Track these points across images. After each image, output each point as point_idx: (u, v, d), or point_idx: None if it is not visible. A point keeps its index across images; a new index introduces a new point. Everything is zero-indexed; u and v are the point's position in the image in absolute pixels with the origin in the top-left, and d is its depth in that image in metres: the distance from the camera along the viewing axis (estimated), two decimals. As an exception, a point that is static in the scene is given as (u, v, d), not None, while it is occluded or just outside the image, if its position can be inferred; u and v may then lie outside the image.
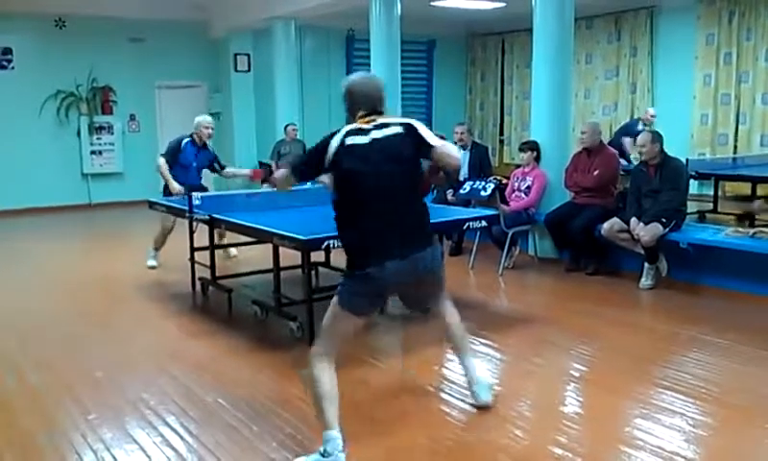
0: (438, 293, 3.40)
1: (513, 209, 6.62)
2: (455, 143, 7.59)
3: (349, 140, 3.03)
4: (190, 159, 6.72)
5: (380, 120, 3.11)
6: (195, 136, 6.75)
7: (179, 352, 4.49)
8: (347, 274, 3.09)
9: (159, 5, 11.59)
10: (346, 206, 3.08)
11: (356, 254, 3.06)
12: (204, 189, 6.57)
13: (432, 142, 3.12)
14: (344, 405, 3.40)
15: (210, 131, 6.81)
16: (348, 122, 3.17)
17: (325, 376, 2.98)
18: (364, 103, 3.15)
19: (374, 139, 3.06)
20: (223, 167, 7.04)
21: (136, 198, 10.25)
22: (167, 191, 6.58)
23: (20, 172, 11.07)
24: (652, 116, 10.19)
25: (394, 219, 3.04)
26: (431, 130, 3.24)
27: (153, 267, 6.86)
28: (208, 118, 6.94)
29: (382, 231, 3.01)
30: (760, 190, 8.89)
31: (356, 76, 3.30)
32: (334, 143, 3.03)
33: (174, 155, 6.67)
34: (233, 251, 7.02)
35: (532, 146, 6.84)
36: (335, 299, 3.09)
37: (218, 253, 6.82)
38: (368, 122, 3.10)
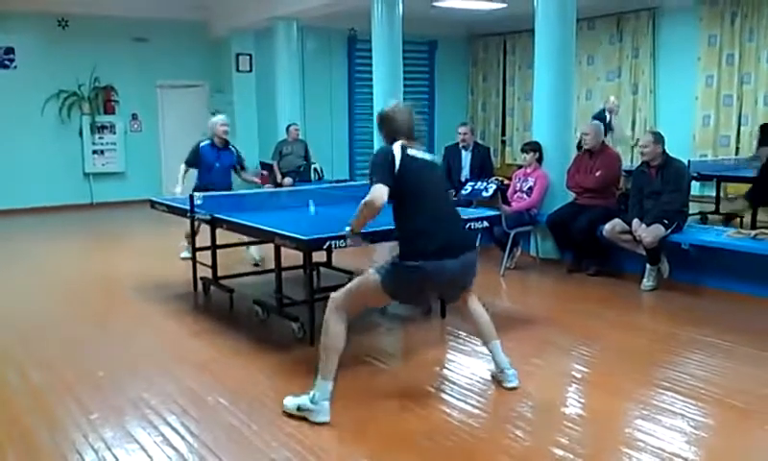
0: (470, 285, 3.73)
1: (514, 210, 6.62)
2: (457, 144, 7.73)
3: (410, 152, 3.43)
4: (212, 160, 6.78)
5: (418, 146, 3.54)
6: (215, 139, 6.83)
7: (180, 352, 4.50)
8: (400, 262, 3.37)
9: (161, 5, 11.60)
10: (408, 205, 3.41)
11: (416, 245, 3.36)
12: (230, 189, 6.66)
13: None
14: (344, 404, 3.44)
15: (226, 127, 6.84)
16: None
17: (340, 330, 3.35)
18: (405, 130, 3.50)
19: (423, 158, 3.52)
20: (243, 169, 7.06)
21: (138, 197, 10.27)
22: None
23: (22, 171, 11.08)
24: (616, 105, 10.24)
25: (448, 223, 3.50)
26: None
27: (186, 258, 6.67)
28: (220, 117, 6.98)
29: (441, 231, 3.41)
30: (732, 189, 9.17)
31: (393, 106, 3.62)
32: (397, 153, 3.38)
33: (193, 157, 6.81)
34: (255, 254, 6.81)
35: (534, 147, 6.83)
36: (377, 277, 3.37)
37: (242, 255, 6.82)
38: (411, 144, 3.48)
